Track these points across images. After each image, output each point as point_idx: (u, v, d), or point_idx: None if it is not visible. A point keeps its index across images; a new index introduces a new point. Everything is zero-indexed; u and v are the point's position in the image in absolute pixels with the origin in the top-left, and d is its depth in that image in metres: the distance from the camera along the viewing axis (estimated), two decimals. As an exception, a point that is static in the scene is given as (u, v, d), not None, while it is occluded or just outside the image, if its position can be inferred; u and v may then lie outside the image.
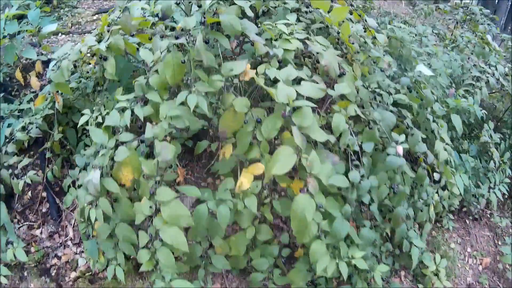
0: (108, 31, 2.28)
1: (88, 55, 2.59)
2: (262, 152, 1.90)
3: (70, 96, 2.62)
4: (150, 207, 1.93)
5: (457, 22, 4.00)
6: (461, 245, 3.34)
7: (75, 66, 2.29)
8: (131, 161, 1.99)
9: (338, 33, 2.27)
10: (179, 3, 1.98)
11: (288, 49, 1.99)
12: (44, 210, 2.85)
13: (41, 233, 2.78)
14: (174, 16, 2.81)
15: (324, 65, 2.01)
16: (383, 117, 2.23)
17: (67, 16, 3.90)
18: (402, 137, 2.20)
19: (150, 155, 2.07)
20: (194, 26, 1.86)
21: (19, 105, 2.94)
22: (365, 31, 2.67)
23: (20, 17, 3.35)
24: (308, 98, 1.89)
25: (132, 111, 1.99)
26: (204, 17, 1.84)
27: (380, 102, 2.35)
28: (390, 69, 2.43)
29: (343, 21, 2.24)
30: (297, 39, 2.04)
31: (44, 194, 2.87)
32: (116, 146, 2.02)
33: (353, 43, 2.26)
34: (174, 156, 1.91)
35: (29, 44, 3.56)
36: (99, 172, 2.00)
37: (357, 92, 2.33)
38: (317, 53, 2.02)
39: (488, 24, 3.83)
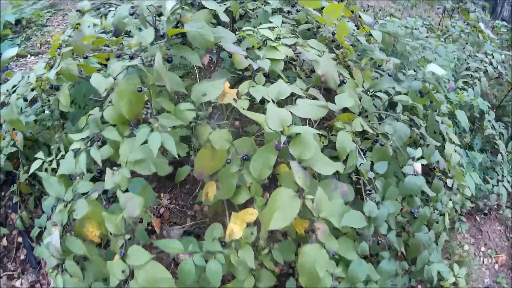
0: (59, 55, 1.69)
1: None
2: (253, 196, 1.31)
3: (31, 130, 2.03)
4: (123, 271, 1.37)
5: (444, 11, 3.42)
6: (475, 245, 2.81)
7: (25, 100, 1.70)
8: (94, 214, 1.42)
9: (333, 34, 1.68)
10: (134, 13, 1.38)
11: (276, 59, 1.40)
12: (22, 257, 2.28)
13: (21, 284, 2.21)
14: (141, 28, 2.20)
15: (321, 75, 1.43)
16: (395, 129, 1.65)
17: (36, 35, 3.22)
18: (418, 152, 1.63)
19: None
20: (153, 41, 1.27)
21: (-18, 143, 2.33)
22: (358, 28, 2.09)
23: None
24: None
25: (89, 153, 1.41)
26: (164, 29, 1.25)
27: (388, 110, 1.78)
28: (396, 70, 1.85)
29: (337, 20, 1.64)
30: (286, 45, 1.45)
31: (20, 239, 2.29)
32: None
33: (352, 45, 1.67)
34: (146, 206, 1.33)
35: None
36: (59, 232, 1.43)
37: (359, 100, 1.77)
38: (312, 60, 1.44)
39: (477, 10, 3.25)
